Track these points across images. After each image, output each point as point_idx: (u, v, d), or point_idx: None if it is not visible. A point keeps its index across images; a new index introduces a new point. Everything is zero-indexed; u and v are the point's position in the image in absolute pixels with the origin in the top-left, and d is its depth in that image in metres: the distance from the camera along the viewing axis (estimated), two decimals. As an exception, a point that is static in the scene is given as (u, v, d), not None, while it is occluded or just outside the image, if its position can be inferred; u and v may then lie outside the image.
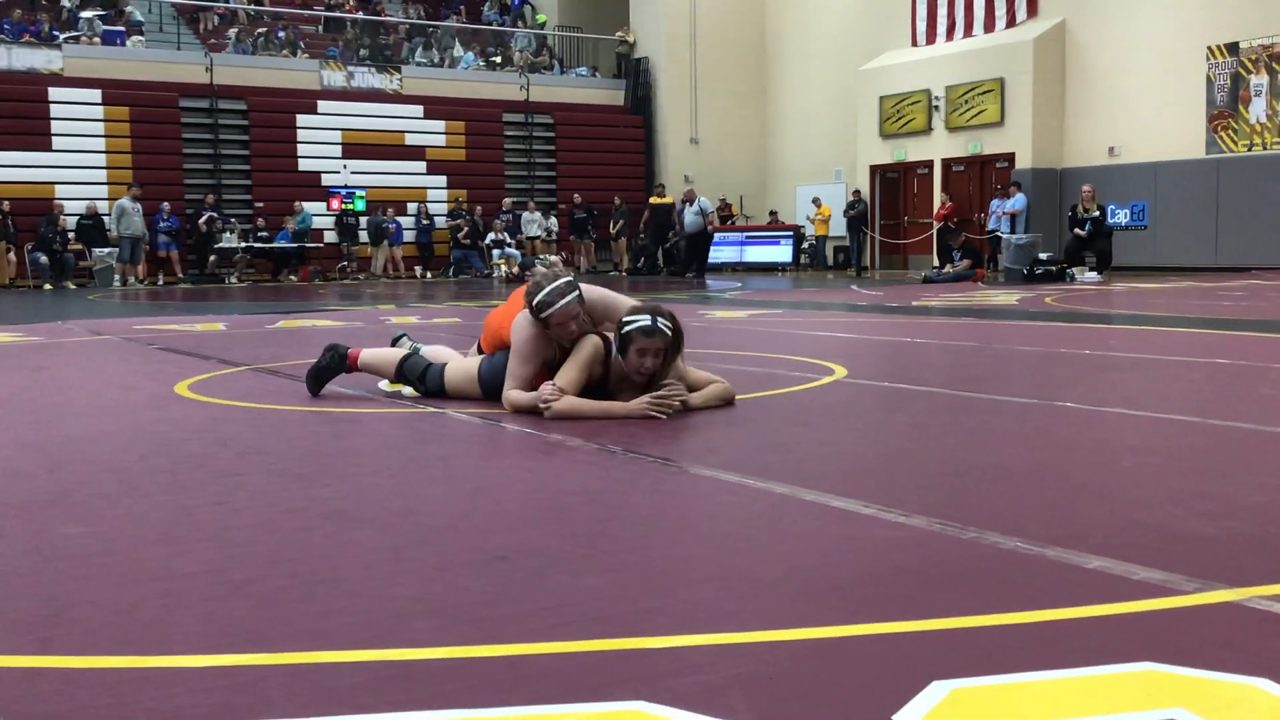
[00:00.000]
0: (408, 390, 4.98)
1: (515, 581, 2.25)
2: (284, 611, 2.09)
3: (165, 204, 21.03)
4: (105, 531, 2.73)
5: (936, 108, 22.77)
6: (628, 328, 4.30)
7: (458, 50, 26.14)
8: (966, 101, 22.22)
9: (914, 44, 23.60)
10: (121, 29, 22.88)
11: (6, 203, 19.46)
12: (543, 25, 28.07)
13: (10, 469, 3.56)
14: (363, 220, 22.63)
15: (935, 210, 21.92)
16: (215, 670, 1.80)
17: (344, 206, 22.46)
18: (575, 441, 3.83)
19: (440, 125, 24.17)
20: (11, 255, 19.59)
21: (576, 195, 24.11)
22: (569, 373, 4.33)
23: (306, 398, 5.08)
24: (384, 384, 5.16)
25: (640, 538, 2.64)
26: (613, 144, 26.27)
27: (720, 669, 1.76)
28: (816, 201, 24.05)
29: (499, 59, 26.46)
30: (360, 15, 26.35)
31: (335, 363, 4.98)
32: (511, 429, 4.14)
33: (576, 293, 4.38)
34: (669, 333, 4.29)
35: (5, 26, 21.69)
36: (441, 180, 23.99)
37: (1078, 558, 2.33)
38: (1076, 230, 17.94)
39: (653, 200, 24.36)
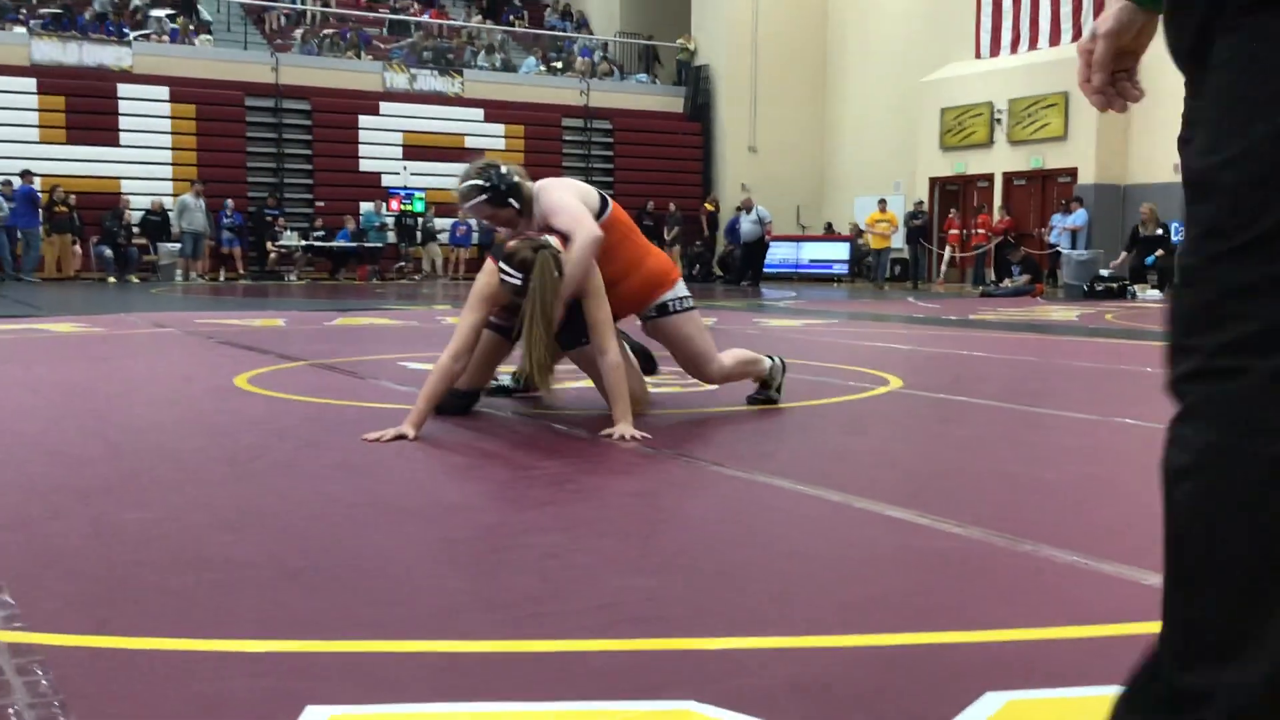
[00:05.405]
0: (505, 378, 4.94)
1: (567, 579, 2.26)
2: (338, 600, 2.11)
3: (229, 201, 21.30)
4: (163, 517, 2.77)
5: (999, 120, 22.54)
6: (502, 277, 4.07)
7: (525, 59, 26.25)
8: (1029, 115, 21.99)
9: (977, 56, 23.38)
10: (190, 28, 23.25)
11: (74, 196, 19.81)
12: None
13: (73, 455, 3.62)
14: (421, 221, 22.74)
15: (994, 224, 21.68)
16: (270, 656, 1.82)
17: (403, 208, 22.62)
18: (630, 444, 3.83)
19: (500, 129, 24.27)
20: (77, 248, 19.93)
21: (650, 202, 23.84)
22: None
23: (363, 393, 5.13)
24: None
25: (693, 540, 2.63)
26: (671, 151, 26.23)
27: (773, 673, 1.75)
28: (883, 204, 22.87)
29: (560, 64, 26.57)
30: (425, 18, 26.55)
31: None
32: (563, 429, 4.15)
33: (482, 197, 4.32)
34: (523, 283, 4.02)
35: (80, 23, 22.10)
36: (500, 183, 24.01)
37: (1136, 574, 2.29)
38: (1133, 249, 17.76)
39: (705, 207, 24.58)
